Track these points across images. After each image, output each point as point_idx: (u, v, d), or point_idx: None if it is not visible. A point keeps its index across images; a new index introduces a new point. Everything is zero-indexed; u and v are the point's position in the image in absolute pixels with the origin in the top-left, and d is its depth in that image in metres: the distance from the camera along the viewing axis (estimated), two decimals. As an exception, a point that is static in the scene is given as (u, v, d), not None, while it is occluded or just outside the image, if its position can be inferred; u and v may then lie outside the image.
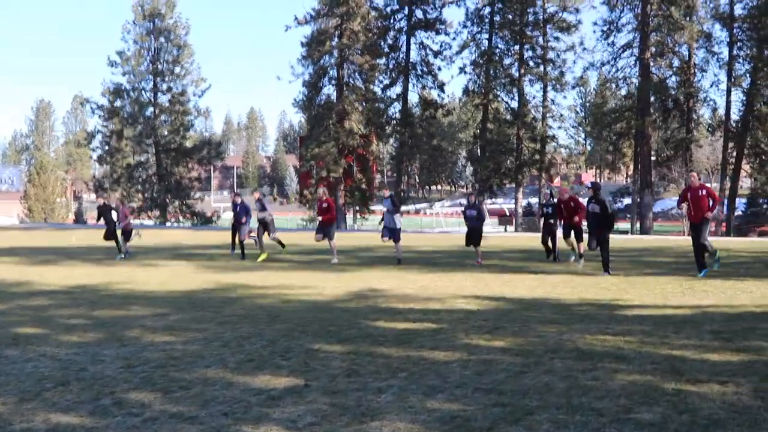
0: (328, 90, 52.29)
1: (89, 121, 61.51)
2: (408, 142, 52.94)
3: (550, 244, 18.59)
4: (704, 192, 14.55)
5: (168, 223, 57.47)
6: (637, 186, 47.42)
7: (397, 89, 52.67)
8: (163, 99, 58.32)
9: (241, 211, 21.32)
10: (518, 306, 10.95)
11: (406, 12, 52.04)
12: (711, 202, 14.39)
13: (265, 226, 20.86)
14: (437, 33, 51.83)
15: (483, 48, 50.49)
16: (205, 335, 8.98)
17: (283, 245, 21.49)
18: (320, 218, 20.18)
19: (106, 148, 59.80)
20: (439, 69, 52.78)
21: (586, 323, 9.23)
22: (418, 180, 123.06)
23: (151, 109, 57.89)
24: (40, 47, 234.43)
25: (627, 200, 55.61)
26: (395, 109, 53.32)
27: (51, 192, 78.75)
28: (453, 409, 5.59)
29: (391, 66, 52.85)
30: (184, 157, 59.12)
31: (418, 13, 52.05)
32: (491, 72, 50.12)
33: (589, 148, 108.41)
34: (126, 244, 22.60)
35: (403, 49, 52.40)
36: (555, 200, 18.48)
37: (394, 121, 53.15)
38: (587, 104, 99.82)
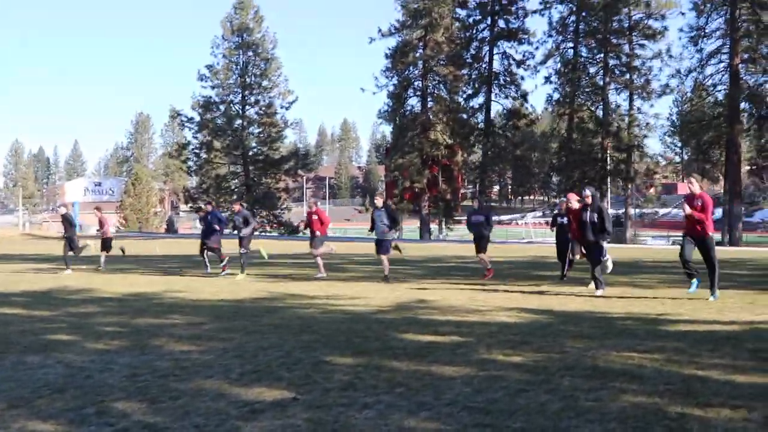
0: (413, 101, 52.27)
1: (183, 133, 62.85)
2: (490, 152, 52.36)
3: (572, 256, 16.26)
4: (700, 203, 12.27)
5: (256, 233, 58.38)
6: (728, 196, 45.68)
7: (480, 99, 52.25)
8: (251, 111, 59.43)
9: (212, 221, 20.25)
10: (558, 319, 10.50)
11: (488, 22, 51.65)
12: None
13: (240, 240, 19.23)
14: (520, 43, 51.25)
15: (567, 57, 49.57)
16: (226, 345, 8.88)
17: (242, 270, 18.97)
18: (317, 232, 18.66)
19: (196, 159, 61.17)
20: (522, 79, 52.11)
21: (621, 339, 8.74)
22: (510, 190, 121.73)
23: (239, 121, 58.91)
24: (139, 60, 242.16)
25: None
26: (478, 119, 52.87)
27: (146, 202, 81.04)
28: (428, 428, 5.29)
29: (473, 76, 52.47)
30: (272, 168, 59.96)
31: (501, 23, 51.63)
32: (576, 81, 49.11)
33: (686, 157, 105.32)
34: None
35: (486, 59, 51.95)
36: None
37: (477, 132, 52.63)
38: (681, 112, 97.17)
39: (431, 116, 50.16)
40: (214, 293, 14.94)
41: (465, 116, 52.09)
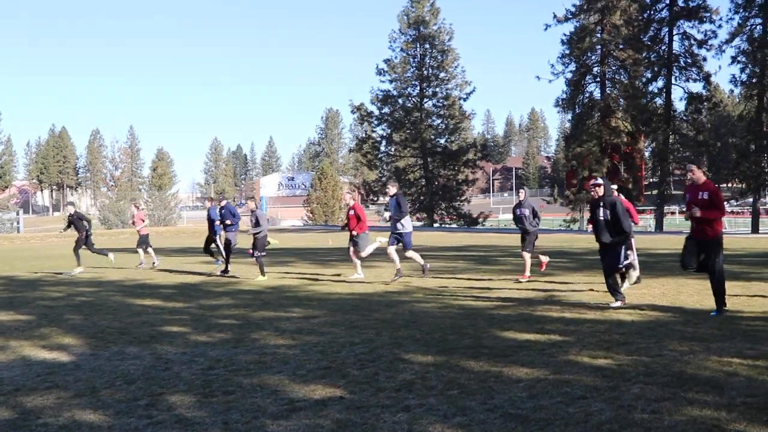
0: (591, 87, 50.61)
1: (363, 127, 64.06)
2: (671, 139, 49.75)
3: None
4: (706, 195, 9.95)
5: (435, 225, 58.61)
6: None
7: (659, 83, 49.72)
8: (429, 104, 59.61)
9: (226, 216, 18.60)
10: (681, 319, 9.70)
11: (667, 1, 48.92)
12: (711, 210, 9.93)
13: (253, 243, 17.41)
14: (701, 21, 48.03)
15: (756, 34, 46.10)
16: (320, 339, 8.85)
17: (262, 273, 17.13)
18: (354, 231, 16.58)
19: (376, 152, 62.12)
20: (704, 60, 48.78)
21: (734, 342, 7.92)
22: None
23: (417, 113, 59.28)
24: (328, 57, 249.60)
25: None
26: (657, 104, 50.32)
27: (331, 196, 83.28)
28: (448, 437, 4.99)
29: (652, 59, 49.98)
30: (450, 160, 59.91)
31: (680, 2, 48.65)
32: (765, 59, 45.50)
33: None
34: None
35: (666, 40, 49.34)
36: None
37: (657, 117, 50.09)
38: None
39: (611, 103, 48.35)
40: (350, 286, 15.03)
41: (643, 101, 49.68)
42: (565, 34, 50.48)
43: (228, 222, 18.40)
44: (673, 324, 9.27)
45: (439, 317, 10.44)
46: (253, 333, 9.51)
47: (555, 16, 49.91)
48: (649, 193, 54.10)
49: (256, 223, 17.21)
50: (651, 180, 52.54)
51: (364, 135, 64.57)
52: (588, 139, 48.66)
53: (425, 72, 58.61)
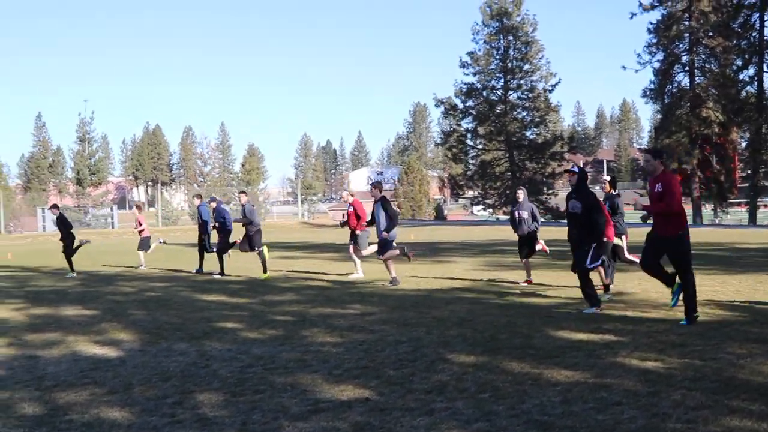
0: (679, 77, 49.03)
1: (448, 121, 63.55)
2: (763, 129, 47.73)
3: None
4: (660, 187, 8.89)
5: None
6: None
7: (750, 71, 47.75)
8: (514, 96, 58.86)
9: (213, 217, 18.37)
10: (752, 318, 9.21)
11: (758, -16, 47.03)
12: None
13: (249, 239, 17.25)
14: (793, 5, 45.98)
15: None
16: (368, 338, 8.72)
17: (264, 269, 16.99)
18: (357, 230, 16.09)
19: (462, 146, 61.73)
20: (798, 46, 46.55)
21: (800, 344, 7.48)
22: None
23: (502, 106, 58.64)
24: (413, 50, 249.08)
25: None
26: (749, 92, 48.38)
27: (418, 190, 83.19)
28: (463, 444, 4.78)
29: (743, 46, 48.05)
30: (536, 153, 59.07)
31: (772, -14, 46.69)
32: None
33: None
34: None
35: (756, 26, 47.33)
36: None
37: (749, 107, 48.16)
38: None
39: (700, 92, 46.75)
40: (415, 281, 14.87)
41: (734, 90, 47.82)
42: (651, 23, 49.12)
43: (217, 225, 18.15)
44: (739, 324, 8.80)
45: (496, 315, 10.18)
46: (304, 330, 9.44)
47: (641, 4, 48.54)
48: (745, 185, 51.98)
49: (244, 216, 17.11)
50: (747, 172, 50.34)
51: (449, 129, 64.15)
52: (677, 130, 47.24)
53: (509, 64, 57.89)
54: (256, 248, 17.13)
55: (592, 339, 8.10)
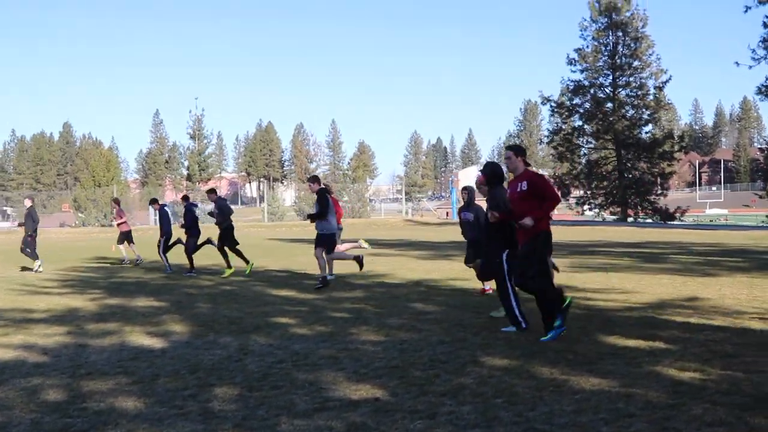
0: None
1: (559, 119, 62.24)
2: None
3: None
4: (524, 186, 8.21)
5: (629, 220, 56.33)
6: None
7: None
8: (622, 94, 57.26)
9: (186, 218, 18.25)
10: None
11: None
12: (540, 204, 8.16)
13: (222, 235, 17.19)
14: None
15: None
16: (412, 337, 8.62)
17: (246, 261, 17.28)
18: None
19: (568, 145, 60.50)
20: None
21: None
22: None
23: (609, 104, 57.18)
24: (525, 47, 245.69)
25: None
26: None
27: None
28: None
29: None
30: (645, 152, 57.32)
31: None
32: None
33: None
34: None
35: None
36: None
37: None
38: None
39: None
40: (492, 282, 14.61)
41: None
42: (766, 16, 46.80)
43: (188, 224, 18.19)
44: (807, 336, 8.27)
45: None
46: (353, 328, 9.39)
47: (758, -3, 46.33)
48: None
49: (219, 214, 17.16)
50: None
51: (555, 127, 62.99)
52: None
53: (618, 61, 56.28)
54: (217, 244, 17.29)
55: (638, 346, 7.76)
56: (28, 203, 20.65)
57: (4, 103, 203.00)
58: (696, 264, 17.51)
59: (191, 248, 18.05)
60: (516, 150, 8.55)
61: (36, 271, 19.34)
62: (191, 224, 18.21)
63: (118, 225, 22.01)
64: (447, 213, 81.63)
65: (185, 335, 9.12)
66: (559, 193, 11.08)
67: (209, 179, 74.14)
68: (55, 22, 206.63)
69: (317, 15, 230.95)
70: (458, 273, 16.08)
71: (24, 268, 20.35)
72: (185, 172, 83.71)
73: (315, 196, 14.59)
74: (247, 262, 17.33)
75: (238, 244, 17.59)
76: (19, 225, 20.94)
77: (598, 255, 21.09)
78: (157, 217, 20.35)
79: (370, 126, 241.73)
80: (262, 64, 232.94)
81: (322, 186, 14.44)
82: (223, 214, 17.30)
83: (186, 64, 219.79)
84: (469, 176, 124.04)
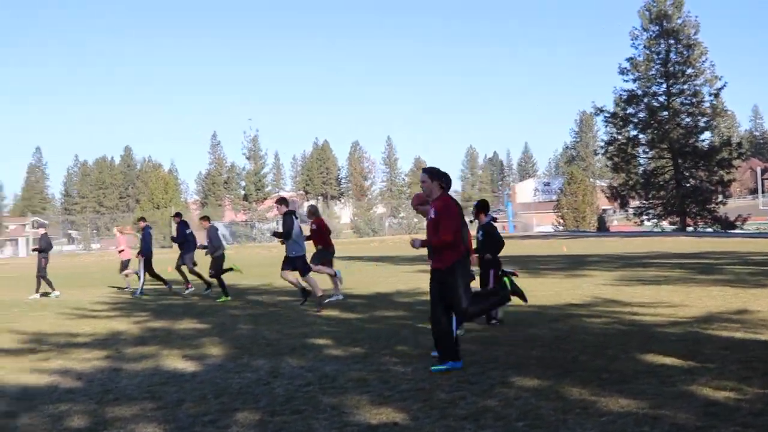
0: None
1: (613, 129, 61.15)
2: None
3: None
4: (432, 213, 7.86)
5: (688, 229, 55.23)
6: None
7: None
8: (676, 102, 56.31)
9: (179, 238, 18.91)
10: None
11: None
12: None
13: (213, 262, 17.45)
14: None
15: None
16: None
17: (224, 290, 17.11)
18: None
19: (623, 155, 59.64)
20: None
21: None
22: None
23: (664, 112, 56.27)
24: (579, 58, 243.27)
25: None
26: None
27: (582, 201, 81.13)
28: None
29: None
30: (702, 160, 56.25)
31: None
32: None
33: None
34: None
35: None
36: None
37: None
38: None
39: None
40: (541, 296, 14.38)
41: None
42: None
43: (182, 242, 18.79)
44: None
45: (594, 334, 9.69)
46: (387, 348, 9.28)
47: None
48: None
49: (211, 242, 17.57)
50: None
51: (609, 137, 62.16)
52: None
53: (671, 69, 55.47)
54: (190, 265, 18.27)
55: (676, 363, 7.52)
56: (41, 231, 21.38)
57: (68, 128, 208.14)
58: (750, 274, 17.06)
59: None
60: (431, 173, 7.98)
61: (37, 295, 19.73)
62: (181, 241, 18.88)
63: (120, 252, 21.86)
64: (503, 227, 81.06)
65: (220, 358, 9.13)
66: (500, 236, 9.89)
67: (266, 198, 74.78)
68: (114, 50, 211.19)
69: (370, 34, 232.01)
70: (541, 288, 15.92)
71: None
72: (242, 192, 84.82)
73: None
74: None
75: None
76: (34, 250, 21.20)
77: (651, 267, 20.71)
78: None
79: (426, 141, 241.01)
80: (318, 84, 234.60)
81: (289, 209, 14.35)
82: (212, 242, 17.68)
83: (242, 84, 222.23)
84: (527, 189, 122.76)
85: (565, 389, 6.59)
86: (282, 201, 14.80)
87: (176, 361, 9.00)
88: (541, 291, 15.56)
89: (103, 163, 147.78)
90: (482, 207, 11.50)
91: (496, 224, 11.55)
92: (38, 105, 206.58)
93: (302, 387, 7.20)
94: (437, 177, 7.92)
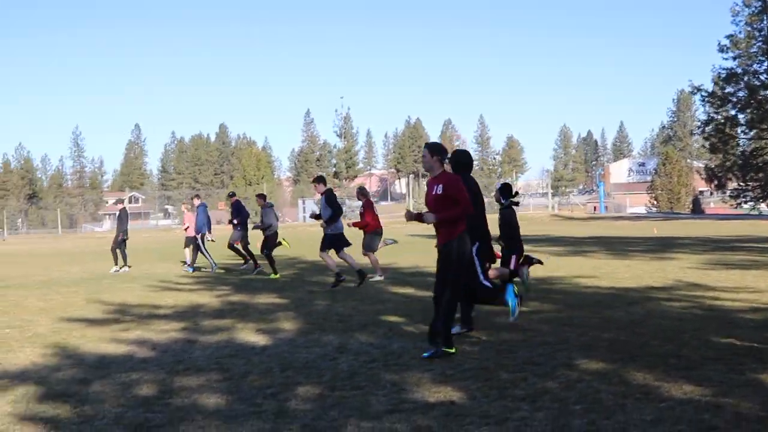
0: None
1: (711, 109, 59.25)
2: None
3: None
4: (440, 189, 7.60)
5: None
6: None
7: None
8: (779, 80, 54.19)
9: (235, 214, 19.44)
10: None
11: None
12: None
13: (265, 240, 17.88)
14: None
15: None
16: (512, 337, 8.44)
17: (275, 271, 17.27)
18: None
19: (721, 136, 57.79)
20: None
21: None
22: None
23: (765, 92, 54.19)
24: (672, 38, 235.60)
25: None
26: None
27: (677, 182, 79.13)
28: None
29: None
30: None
31: None
32: None
33: None
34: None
35: None
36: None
37: None
38: None
39: None
40: (617, 279, 14.15)
41: None
42: None
43: (236, 221, 19.32)
44: None
45: (670, 318, 9.48)
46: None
47: None
48: None
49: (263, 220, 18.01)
50: None
51: (707, 117, 60.23)
52: None
53: (774, 45, 53.33)
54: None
55: (749, 350, 7.29)
56: (119, 206, 22.05)
57: (165, 107, 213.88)
58: None
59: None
60: (432, 148, 7.83)
61: (114, 272, 20.02)
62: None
63: (185, 229, 21.93)
64: (594, 207, 79.75)
65: (291, 333, 9.28)
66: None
67: (356, 176, 75.35)
68: (211, 33, 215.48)
69: (463, 15, 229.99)
70: (587, 270, 15.70)
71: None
72: (333, 170, 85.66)
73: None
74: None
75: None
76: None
77: (740, 251, 20.08)
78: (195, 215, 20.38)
79: (519, 120, 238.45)
80: (411, 64, 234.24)
81: (329, 187, 14.55)
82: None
83: (335, 63, 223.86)
84: (621, 169, 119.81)
85: (629, 373, 6.48)
86: (320, 179, 14.90)
87: (249, 335, 9.19)
88: (624, 273, 15.31)
89: (199, 140, 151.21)
90: (502, 191, 11.29)
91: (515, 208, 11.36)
92: (138, 84, 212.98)
93: (367, 363, 7.27)
94: (438, 152, 7.76)
